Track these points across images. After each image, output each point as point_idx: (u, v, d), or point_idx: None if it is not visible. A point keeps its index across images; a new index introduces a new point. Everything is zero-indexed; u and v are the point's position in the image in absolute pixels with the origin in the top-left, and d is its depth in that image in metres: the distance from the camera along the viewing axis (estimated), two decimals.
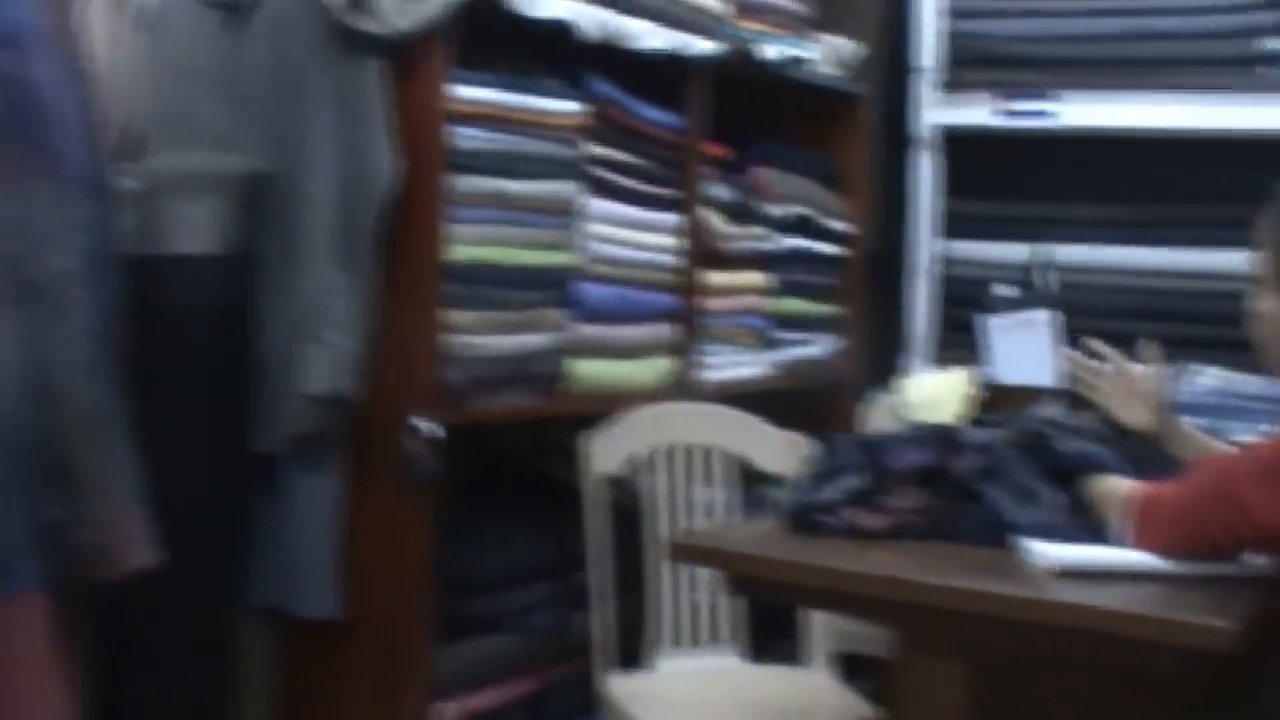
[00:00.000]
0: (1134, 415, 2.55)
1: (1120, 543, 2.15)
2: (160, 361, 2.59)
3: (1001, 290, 4.06)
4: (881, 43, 4.29)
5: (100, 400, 2.16)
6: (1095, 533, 2.21)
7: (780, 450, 3.20)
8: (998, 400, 3.84)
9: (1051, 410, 2.89)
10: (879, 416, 3.87)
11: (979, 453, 2.34)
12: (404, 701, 2.88)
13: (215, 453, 2.75)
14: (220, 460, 2.77)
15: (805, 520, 2.36)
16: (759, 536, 2.42)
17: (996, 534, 2.25)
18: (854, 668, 3.27)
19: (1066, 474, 2.32)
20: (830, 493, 2.35)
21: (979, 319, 4.04)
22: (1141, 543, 2.12)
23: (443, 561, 2.89)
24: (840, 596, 2.25)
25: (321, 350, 2.73)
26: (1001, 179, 4.23)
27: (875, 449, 2.40)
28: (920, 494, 2.34)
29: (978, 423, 2.72)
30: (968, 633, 2.09)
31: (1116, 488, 2.24)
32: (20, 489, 2.03)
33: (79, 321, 2.10)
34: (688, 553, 2.59)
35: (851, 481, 2.35)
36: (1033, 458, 2.34)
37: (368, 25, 2.76)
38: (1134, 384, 2.57)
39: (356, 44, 2.78)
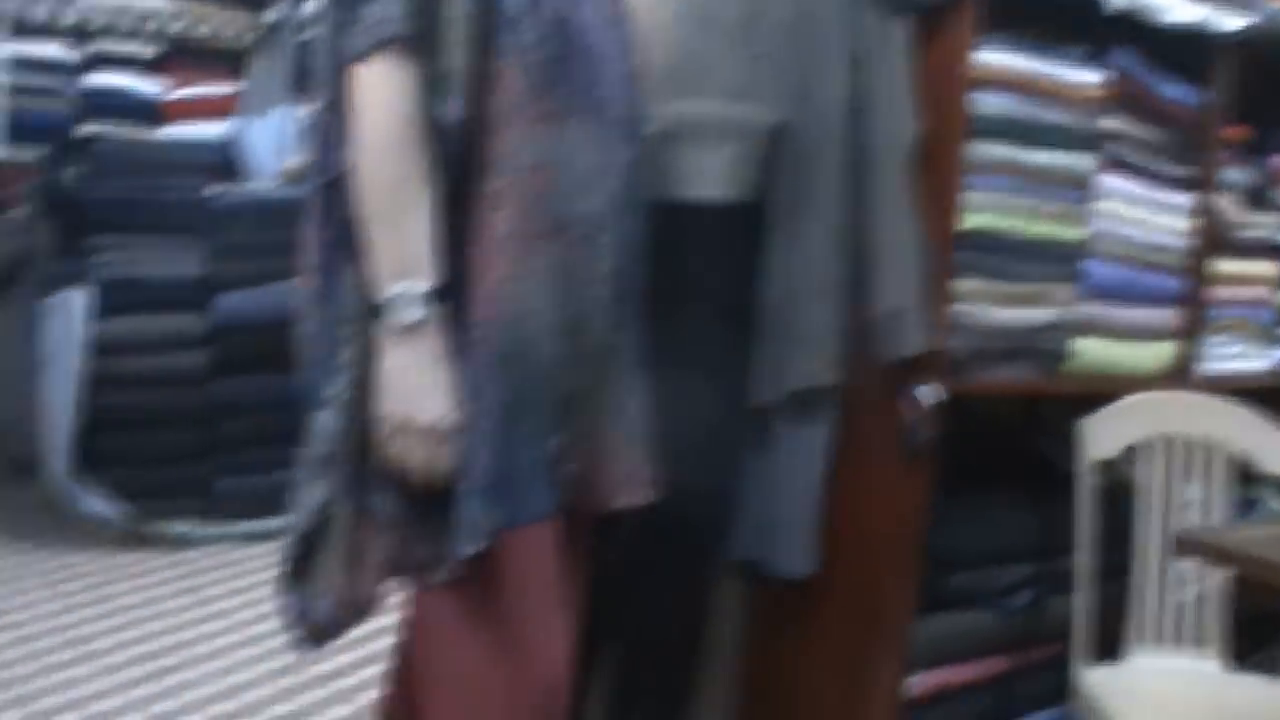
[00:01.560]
0: None
1: None
2: (669, 305, 2.62)
3: None
4: None
5: (619, 340, 2.21)
6: None
7: None
8: None
9: None
10: None
11: None
12: (879, 670, 2.86)
13: (718, 399, 2.77)
14: (722, 408, 2.79)
15: None
16: (1271, 539, 2.31)
17: None
18: None
19: None
20: None
21: None
22: None
23: (926, 531, 2.86)
24: None
25: (828, 308, 2.72)
26: None
27: None
28: None
29: None
30: None
31: None
32: (540, 420, 2.08)
33: (605, 262, 2.14)
34: (1194, 548, 2.48)
35: None
36: None
37: None
38: None
39: (885, 2, 2.75)
